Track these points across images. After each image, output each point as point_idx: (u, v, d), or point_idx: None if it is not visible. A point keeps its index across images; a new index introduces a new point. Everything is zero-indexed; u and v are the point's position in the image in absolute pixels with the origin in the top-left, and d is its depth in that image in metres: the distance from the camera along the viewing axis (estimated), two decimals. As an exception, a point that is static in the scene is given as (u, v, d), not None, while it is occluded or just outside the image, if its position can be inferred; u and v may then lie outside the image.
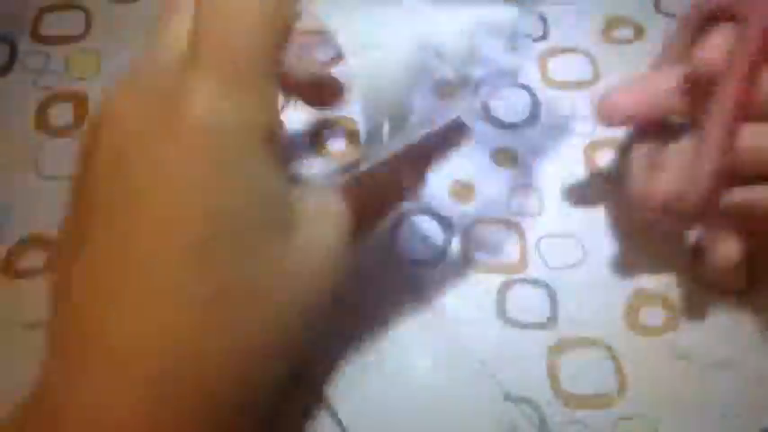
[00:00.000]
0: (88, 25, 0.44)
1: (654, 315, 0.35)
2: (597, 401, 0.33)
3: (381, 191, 0.28)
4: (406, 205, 0.38)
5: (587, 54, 0.44)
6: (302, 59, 0.30)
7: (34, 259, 0.36)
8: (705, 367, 0.34)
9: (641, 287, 0.36)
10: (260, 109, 0.20)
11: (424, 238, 0.37)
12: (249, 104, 0.19)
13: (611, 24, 0.45)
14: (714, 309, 0.35)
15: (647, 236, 0.37)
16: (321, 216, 0.23)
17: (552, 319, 0.35)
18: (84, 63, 0.43)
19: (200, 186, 0.18)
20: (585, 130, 0.41)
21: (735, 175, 0.28)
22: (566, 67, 0.44)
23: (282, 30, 0.20)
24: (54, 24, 0.44)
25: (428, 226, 0.38)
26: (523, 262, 0.37)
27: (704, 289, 0.36)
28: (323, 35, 0.42)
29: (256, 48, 0.20)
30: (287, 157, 0.31)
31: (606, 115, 0.31)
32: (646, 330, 0.35)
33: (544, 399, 0.33)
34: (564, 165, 0.40)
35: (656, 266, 0.36)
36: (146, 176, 0.19)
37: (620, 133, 0.40)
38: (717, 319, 0.35)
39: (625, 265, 0.36)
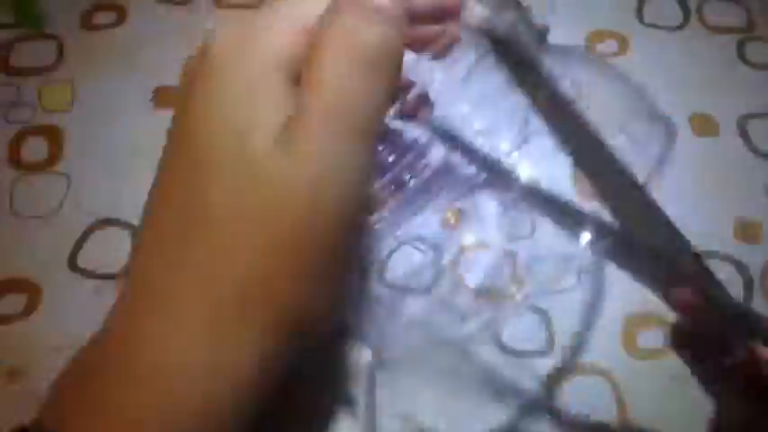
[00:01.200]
0: (60, 55, 0.42)
1: (651, 337, 0.35)
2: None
3: None
4: (394, 234, 0.37)
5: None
6: None
7: (11, 304, 0.35)
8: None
9: (638, 309, 0.35)
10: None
11: (414, 266, 0.37)
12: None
13: (594, 38, 0.45)
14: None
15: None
16: None
17: (549, 346, 0.34)
18: (57, 95, 0.41)
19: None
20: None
21: None
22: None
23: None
24: (25, 55, 0.43)
25: (417, 253, 0.37)
26: (517, 287, 0.36)
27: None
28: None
29: None
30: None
31: None
32: (644, 353, 0.34)
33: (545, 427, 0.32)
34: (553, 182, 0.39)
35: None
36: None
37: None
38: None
39: (622, 285, 0.36)
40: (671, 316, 0.34)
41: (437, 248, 0.37)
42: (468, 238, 0.37)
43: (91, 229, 0.37)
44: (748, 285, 0.36)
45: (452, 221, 0.37)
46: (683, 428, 0.32)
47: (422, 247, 0.37)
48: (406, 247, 0.37)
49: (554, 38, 0.44)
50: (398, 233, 0.36)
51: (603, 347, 0.34)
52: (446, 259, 0.37)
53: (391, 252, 0.37)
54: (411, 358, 0.34)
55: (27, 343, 0.34)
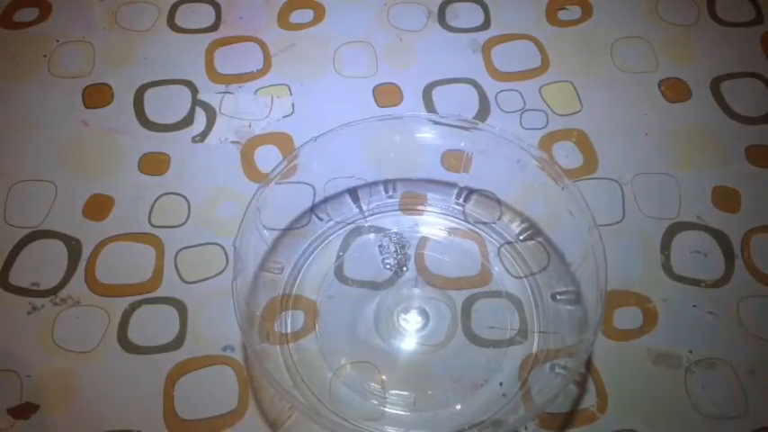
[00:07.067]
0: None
1: (629, 317, 0.33)
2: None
3: None
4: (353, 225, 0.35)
5: (533, 40, 0.41)
6: None
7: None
8: (687, 369, 0.31)
9: (614, 288, 0.33)
10: None
11: (376, 257, 0.34)
12: None
13: (555, 4, 0.43)
14: (690, 305, 0.33)
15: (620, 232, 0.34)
16: None
17: (521, 332, 0.32)
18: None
19: None
20: (539, 122, 0.38)
21: None
22: (511, 57, 0.41)
23: None
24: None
25: (380, 243, 0.35)
26: (486, 274, 0.34)
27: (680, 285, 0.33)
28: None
29: None
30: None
31: None
32: (621, 334, 0.32)
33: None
34: (518, 162, 0.37)
35: (629, 264, 0.34)
36: None
37: (575, 124, 0.38)
38: (695, 317, 0.33)
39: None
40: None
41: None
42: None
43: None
44: (729, 256, 0.34)
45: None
46: (661, 412, 0.30)
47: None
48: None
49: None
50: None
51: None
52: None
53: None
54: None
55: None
